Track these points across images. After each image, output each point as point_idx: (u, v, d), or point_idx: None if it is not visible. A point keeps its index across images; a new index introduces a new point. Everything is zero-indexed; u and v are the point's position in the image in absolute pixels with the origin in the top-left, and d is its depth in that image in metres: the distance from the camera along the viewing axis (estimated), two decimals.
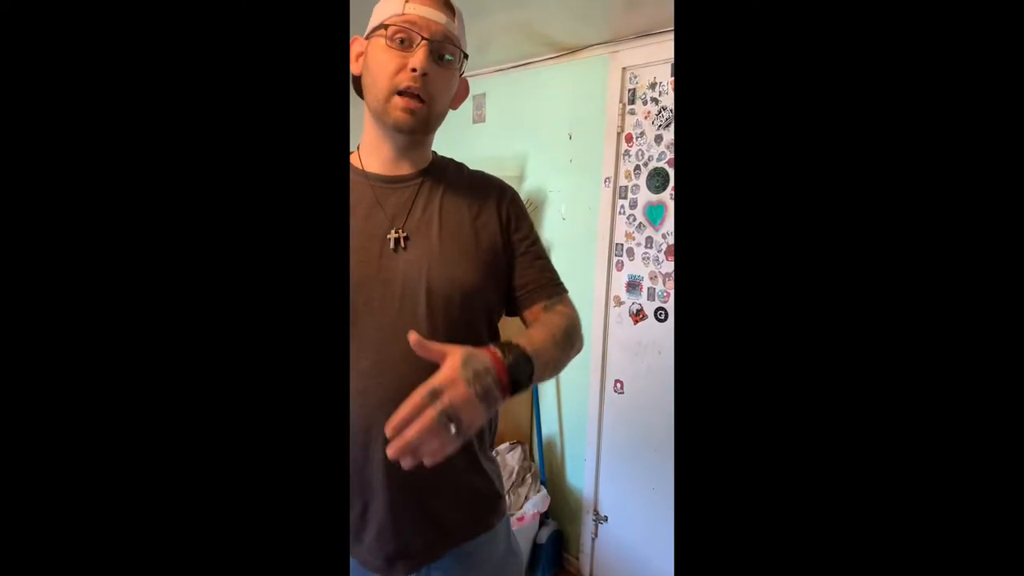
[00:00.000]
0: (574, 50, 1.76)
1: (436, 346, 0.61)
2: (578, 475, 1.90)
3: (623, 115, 1.67)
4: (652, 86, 1.60)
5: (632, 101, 1.66)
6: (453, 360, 0.59)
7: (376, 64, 0.73)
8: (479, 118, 2.12)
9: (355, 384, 0.70)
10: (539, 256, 0.84)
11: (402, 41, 0.72)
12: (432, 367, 0.60)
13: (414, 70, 0.71)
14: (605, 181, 1.71)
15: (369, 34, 0.76)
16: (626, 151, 1.67)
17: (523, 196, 1.35)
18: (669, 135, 1.57)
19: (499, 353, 0.63)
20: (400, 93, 0.73)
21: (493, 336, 0.81)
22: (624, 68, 1.65)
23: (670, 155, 1.58)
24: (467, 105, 2.08)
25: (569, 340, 0.77)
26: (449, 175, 0.82)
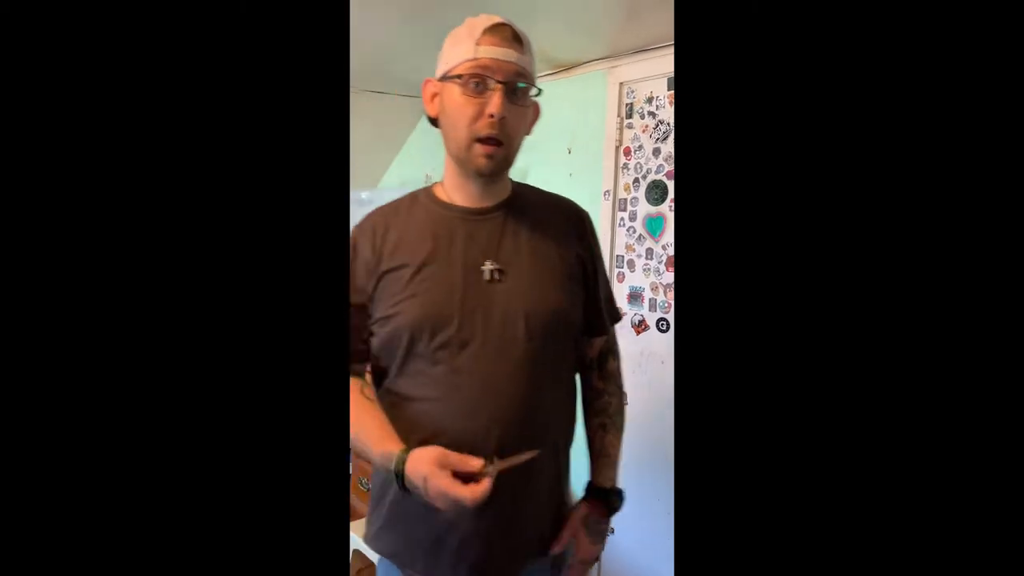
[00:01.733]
0: (572, 66, 1.79)
1: (566, 533, 0.83)
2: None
3: (621, 129, 1.69)
4: (649, 100, 1.63)
5: (630, 115, 1.68)
6: (581, 536, 0.85)
7: (453, 110, 0.75)
8: None
9: (463, 405, 0.75)
10: (606, 278, 0.94)
11: (477, 85, 0.73)
12: (536, 391, 0.76)
13: (491, 116, 0.73)
14: (605, 194, 1.73)
15: (442, 77, 0.77)
16: (625, 164, 1.70)
17: None
18: (666, 148, 1.60)
19: (604, 508, 0.87)
20: (480, 140, 0.75)
21: (578, 350, 0.90)
22: (622, 83, 1.68)
23: (668, 167, 1.60)
24: None
25: (623, 420, 0.94)
26: (530, 202, 0.87)
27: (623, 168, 1.70)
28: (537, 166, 1.96)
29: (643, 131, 1.64)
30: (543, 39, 1.56)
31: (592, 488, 0.89)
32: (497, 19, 0.76)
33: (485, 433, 0.73)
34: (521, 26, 0.80)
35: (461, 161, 0.78)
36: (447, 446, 0.68)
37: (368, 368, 0.85)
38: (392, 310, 0.77)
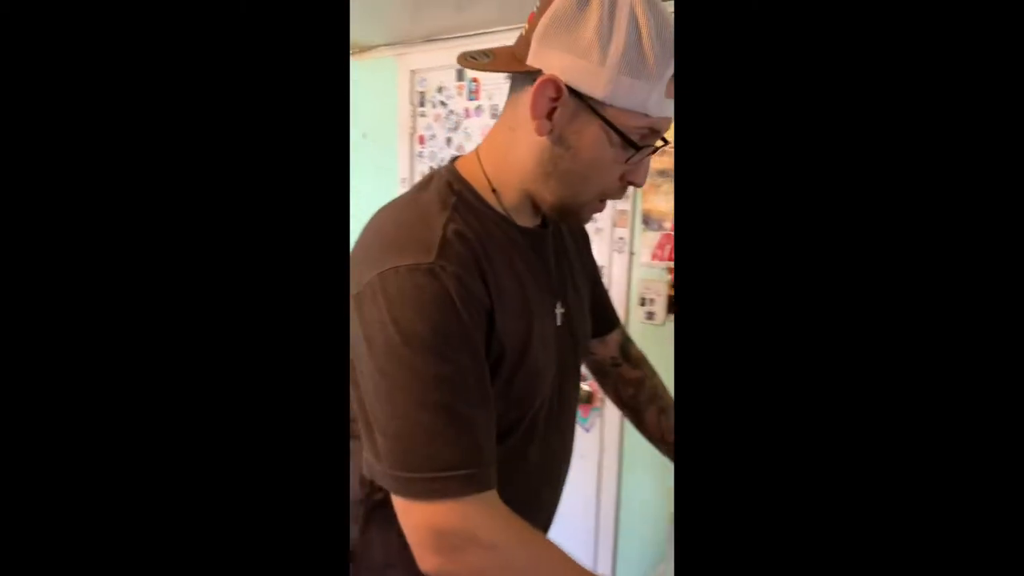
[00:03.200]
0: (362, 49, 1.75)
1: None
2: None
3: (414, 117, 1.71)
4: (440, 90, 1.67)
5: (422, 104, 1.70)
6: None
7: (592, 158, 0.55)
8: None
9: (541, 471, 0.66)
10: (602, 282, 0.83)
11: (638, 147, 0.54)
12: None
13: (631, 183, 0.57)
14: (402, 182, 1.74)
15: (591, 104, 0.52)
16: (419, 152, 1.72)
17: None
18: (458, 138, 1.65)
19: None
20: (604, 198, 0.60)
21: (594, 359, 0.83)
22: (412, 71, 1.69)
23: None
24: None
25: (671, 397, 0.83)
26: None
27: (418, 156, 1.72)
28: None
29: (435, 120, 1.68)
30: None
31: None
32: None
33: (552, 495, 0.70)
34: None
35: (566, 209, 0.59)
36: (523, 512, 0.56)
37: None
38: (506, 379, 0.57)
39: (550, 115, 0.53)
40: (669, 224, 1.34)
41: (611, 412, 1.42)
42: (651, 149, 0.56)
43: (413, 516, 0.50)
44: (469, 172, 0.60)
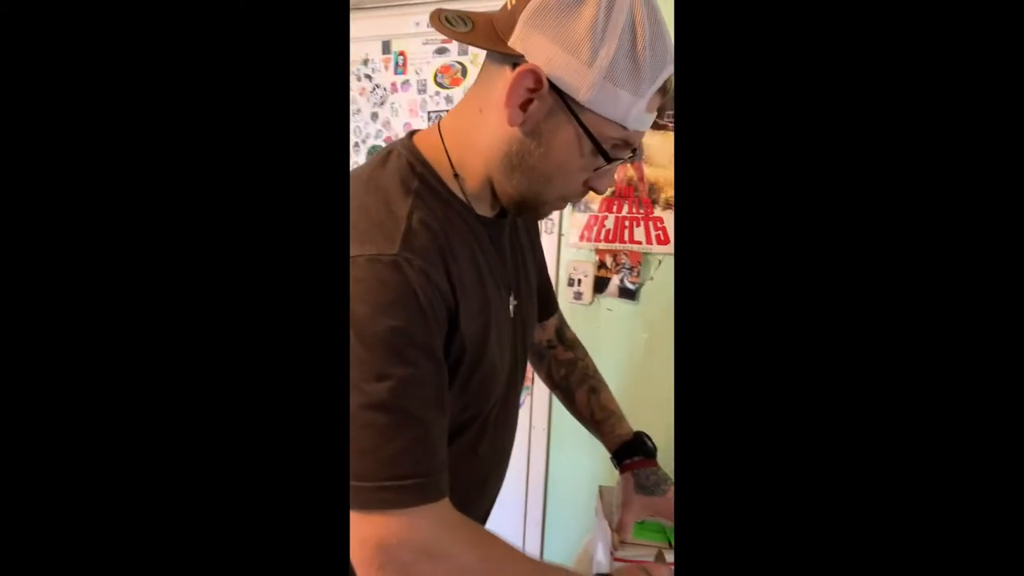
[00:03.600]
0: None
1: (625, 513, 0.70)
2: None
3: None
4: (365, 62, 1.60)
5: None
6: (640, 501, 0.71)
7: (563, 159, 0.52)
8: None
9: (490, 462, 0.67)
10: (547, 268, 0.82)
11: (609, 159, 0.52)
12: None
13: (594, 189, 0.56)
14: None
15: (568, 103, 0.49)
16: None
17: None
18: (384, 113, 1.60)
19: (643, 457, 0.74)
20: (564, 200, 0.57)
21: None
22: None
23: (387, 133, 1.61)
24: None
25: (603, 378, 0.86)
26: None
27: None
28: None
29: (360, 94, 1.61)
30: None
31: (620, 449, 0.75)
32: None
33: (497, 483, 0.71)
34: None
35: (529, 202, 0.56)
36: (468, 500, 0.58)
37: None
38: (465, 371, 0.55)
39: (525, 106, 0.49)
40: (596, 205, 1.36)
41: (540, 391, 1.44)
42: (620, 161, 0.54)
43: (360, 530, 0.45)
44: (430, 151, 0.56)
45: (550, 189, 0.55)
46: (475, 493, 0.65)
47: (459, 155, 0.56)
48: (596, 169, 0.53)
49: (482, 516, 0.71)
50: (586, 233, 1.38)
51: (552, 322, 0.84)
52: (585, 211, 1.38)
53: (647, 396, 1.35)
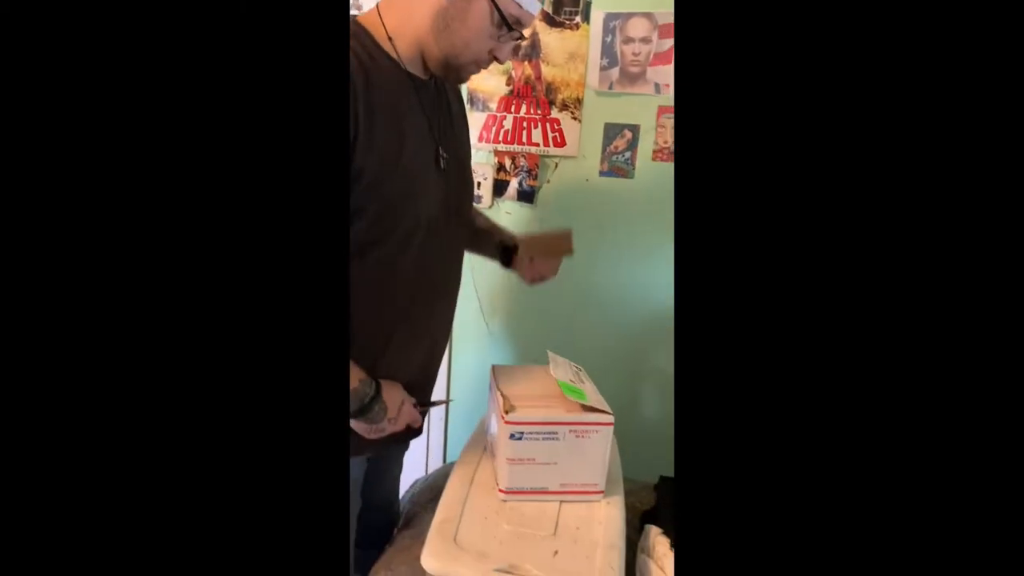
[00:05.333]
0: None
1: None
2: None
3: None
4: None
5: None
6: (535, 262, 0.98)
7: (477, 28, 0.71)
8: None
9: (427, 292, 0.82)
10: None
11: (510, 29, 0.71)
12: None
13: (496, 58, 0.74)
14: None
15: None
16: None
17: None
18: None
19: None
20: (477, 65, 0.75)
21: None
22: None
23: None
24: None
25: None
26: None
27: None
28: None
29: None
30: None
31: (508, 248, 0.99)
32: None
33: (427, 320, 0.85)
34: None
35: (447, 65, 0.75)
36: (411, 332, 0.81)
37: None
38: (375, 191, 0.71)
39: None
40: (495, 104, 1.36)
41: None
42: (517, 35, 0.73)
43: None
44: (367, 21, 0.74)
45: (467, 52, 0.73)
46: (398, 318, 0.79)
47: (394, 24, 0.74)
48: (499, 38, 0.72)
49: (422, 356, 0.86)
50: (485, 134, 1.38)
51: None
52: (484, 111, 1.37)
53: (545, 299, 1.43)
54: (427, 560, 0.69)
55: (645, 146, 1.30)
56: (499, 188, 1.40)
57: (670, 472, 0.98)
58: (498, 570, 0.68)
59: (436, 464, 1.57)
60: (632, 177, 1.33)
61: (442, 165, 0.79)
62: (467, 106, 1.38)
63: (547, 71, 1.32)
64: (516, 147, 1.37)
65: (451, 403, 1.58)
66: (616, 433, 0.80)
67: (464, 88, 1.37)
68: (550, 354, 0.91)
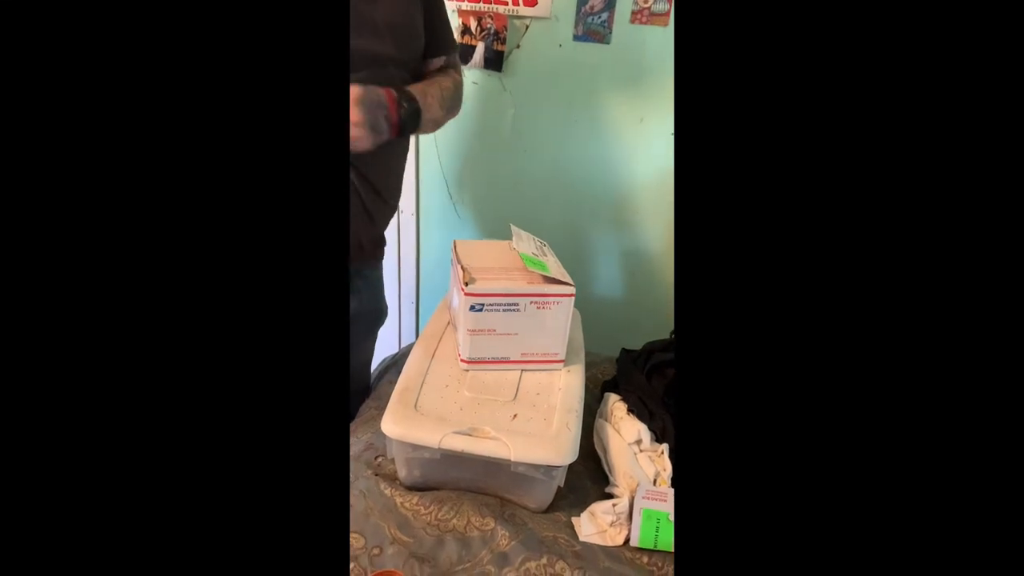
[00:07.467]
0: None
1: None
2: None
3: None
4: None
5: None
6: (354, 91, 0.70)
7: None
8: None
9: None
10: (444, 8, 0.92)
11: None
12: None
13: None
14: None
15: None
16: None
17: None
18: None
19: (395, 95, 0.76)
20: None
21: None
22: None
23: None
24: None
25: (454, 104, 0.92)
26: None
27: None
28: None
29: None
30: None
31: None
32: None
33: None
34: None
35: None
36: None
37: None
38: None
39: None
40: None
41: (408, 181, 1.42)
42: None
43: None
44: None
45: None
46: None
47: None
48: None
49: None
50: None
51: (437, 63, 0.93)
52: None
53: (512, 174, 1.38)
54: (387, 425, 0.71)
55: (623, 6, 1.19)
56: (464, 55, 1.29)
57: (632, 346, 1.00)
58: (457, 432, 0.69)
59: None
60: (608, 42, 1.22)
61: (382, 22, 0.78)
62: None
63: None
64: (482, 6, 1.24)
65: (421, 285, 1.57)
66: (580, 308, 0.79)
67: None
68: (513, 228, 0.88)
